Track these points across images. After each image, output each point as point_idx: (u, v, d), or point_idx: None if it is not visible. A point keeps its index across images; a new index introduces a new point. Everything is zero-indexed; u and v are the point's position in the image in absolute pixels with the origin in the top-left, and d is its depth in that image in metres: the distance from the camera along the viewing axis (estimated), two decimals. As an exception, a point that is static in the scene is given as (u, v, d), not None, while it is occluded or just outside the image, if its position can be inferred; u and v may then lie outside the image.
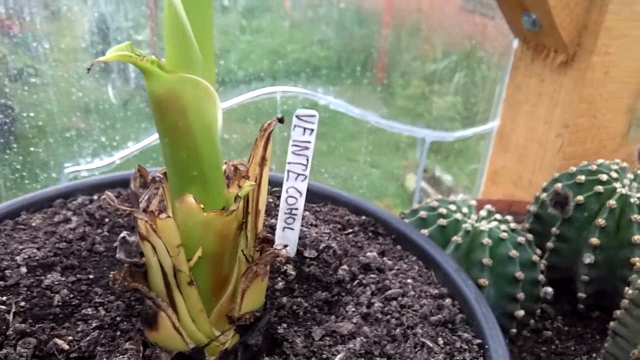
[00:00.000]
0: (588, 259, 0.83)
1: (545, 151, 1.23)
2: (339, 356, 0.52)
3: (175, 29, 0.38)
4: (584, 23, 1.06)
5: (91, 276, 0.60)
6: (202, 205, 0.44)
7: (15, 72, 0.98)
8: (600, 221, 0.82)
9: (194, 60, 0.39)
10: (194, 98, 0.39)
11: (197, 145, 0.41)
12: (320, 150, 1.74)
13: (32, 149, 1.04)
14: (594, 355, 0.83)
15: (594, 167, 0.89)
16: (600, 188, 0.84)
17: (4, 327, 0.52)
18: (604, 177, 0.86)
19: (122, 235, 0.45)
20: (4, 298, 0.55)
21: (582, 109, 1.13)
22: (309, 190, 0.79)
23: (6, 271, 0.58)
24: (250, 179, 0.49)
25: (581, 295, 0.86)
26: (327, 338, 0.55)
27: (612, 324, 0.69)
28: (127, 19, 1.09)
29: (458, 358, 0.53)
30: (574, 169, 0.91)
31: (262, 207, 0.50)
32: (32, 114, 1.00)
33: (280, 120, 0.48)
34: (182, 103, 0.39)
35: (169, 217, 0.44)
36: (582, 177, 0.87)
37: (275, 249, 0.48)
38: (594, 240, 0.82)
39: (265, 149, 0.48)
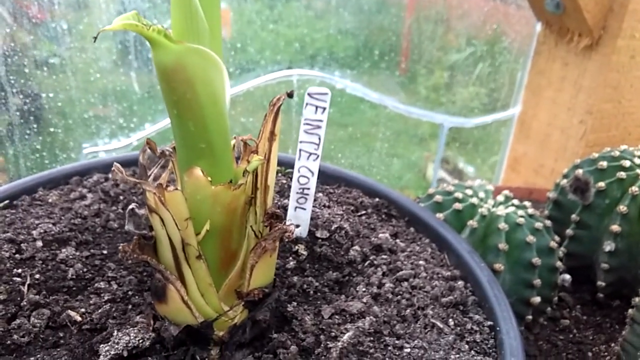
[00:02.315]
0: (608, 246, 0.81)
1: (568, 138, 1.20)
2: (347, 334, 0.51)
3: (182, -2, 0.38)
4: (609, 5, 1.03)
5: (105, 251, 0.61)
6: (209, 179, 0.44)
7: (36, 53, 0.99)
8: (622, 208, 0.79)
9: (201, 31, 0.39)
10: (201, 69, 0.39)
11: (204, 117, 0.41)
12: (341, 138, 1.73)
13: (52, 129, 1.06)
14: (613, 344, 0.82)
15: (617, 153, 0.86)
16: (622, 174, 0.82)
17: (19, 299, 0.53)
18: (627, 163, 0.83)
19: (130, 207, 0.45)
20: (20, 270, 0.56)
21: (606, 94, 1.10)
22: (322, 172, 0.79)
23: (22, 244, 0.59)
24: (259, 154, 0.48)
25: (601, 283, 0.84)
26: (337, 316, 0.54)
27: (630, 311, 0.68)
28: (149, 3, 1.10)
29: (468, 339, 0.52)
30: (596, 155, 0.88)
31: (272, 183, 0.50)
32: (51, 95, 1.02)
33: (290, 95, 0.47)
34: (189, 74, 0.39)
35: (177, 189, 0.44)
36: (604, 163, 0.85)
37: (284, 224, 0.48)
38: (615, 228, 0.80)
39: (274, 123, 0.48)
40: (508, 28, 1.54)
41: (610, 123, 1.14)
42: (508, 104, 1.47)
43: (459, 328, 0.54)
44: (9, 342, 0.49)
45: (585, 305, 0.90)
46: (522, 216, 0.79)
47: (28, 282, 0.55)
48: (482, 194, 0.85)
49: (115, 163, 0.43)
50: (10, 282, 0.54)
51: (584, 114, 1.14)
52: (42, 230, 0.61)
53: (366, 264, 0.63)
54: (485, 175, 1.98)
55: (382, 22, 1.63)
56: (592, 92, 1.12)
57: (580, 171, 0.85)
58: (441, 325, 0.53)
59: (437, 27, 1.71)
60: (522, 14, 1.41)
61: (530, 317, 0.78)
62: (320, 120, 0.60)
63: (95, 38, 0.37)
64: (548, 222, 0.82)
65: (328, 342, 0.51)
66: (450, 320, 0.54)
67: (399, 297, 0.57)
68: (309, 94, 0.58)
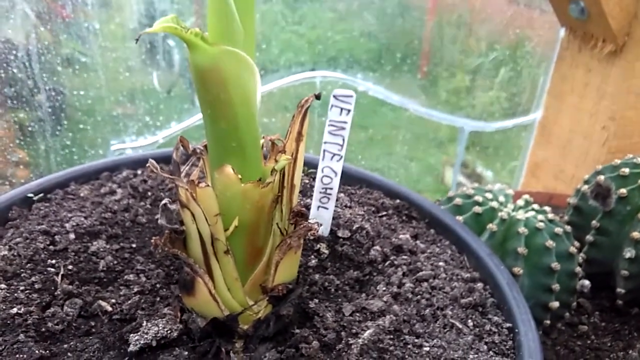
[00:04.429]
0: (629, 253, 0.81)
1: (590, 144, 1.19)
2: (368, 332, 0.52)
3: (219, 3, 0.39)
4: (634, 12, 1.03)
5: (134, 245, 0.63)
6: (239, 176, 0.45)
7: (68, 52, 1.02)
8: (644, 215, 0.79)
9: (236, 34, 0.40)
10: (235, 71, 0.41)
11: (236, 116, 0.43)
12: (361, 140, 1.74)
13: (81, 126, 1.09)
14: (631, 351, 0.81)
15: (639, 160, 0.86)
16: (644, 181, 0.82)
17: (53, 288, 0.55)
18: (650, 170, 0.83)
19: (163, 202, 0.47)
20: (54, 261, 0.58)
21: (630, 101, 1.10)
22: (345, 173, 0.80)
23: (56, 236, 0.61)
24: (286, 154, 0.50)
25: (620, 290, 0.84)
26: (357, 314, 0.56)
27: (649, 318, 0.68)
28: (174, 2, 1.12)
29: (487, 340, 0.53)
30: (618, 161, 0.88)
31: (298, 182, 0.51)
32: (82, 93, 1.05)
33: (317, 97, 0.49)
34: (224, 75, 0.40)
35: (208, 185, 0.45)
36: (627, 170, 0.85)
37: (309, 222, 0.50)
38: (636, 235, 0.80)
39: (302, 124, 0.50)
40: (531, 33, 1.54)
41: (633, 130, 1.13)
42: (529, 108, 1.46)
43: (477, 329, 0.54)
44: (43, 329, 0.51)
45: (603, 311, 0.90)
46: (542, 221, 0.79)
47: (62, 272, 0.57)
48: (502, 198, 0.86)
49: (150, 160, 0.44)
50: (45, 272, 0.57)
51: (607, 120, 1.14)
52: (74, 223, 0.63)
53: (386, 263, 0.64)
54: (503, 180, 1.97)
55: (404, 25, 1.64)
56: (615, 99, 1.11)
57: (601, 177, 0.85)
58: (460, 326, 0.54)
59: (458, 31, 1.71)
60: (545, 19, 1.41)
61: (548, 321, 0.79)
62: (345, 122, 0.61)
63: (137, 40, 0.38)
64: (568, 228, 0.82)
65: (349, 339, 0.52)
66: (469, 321, 0.55)
67: (418, 297, 0.58)
68: (334, 96, 0.60)
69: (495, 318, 0.56)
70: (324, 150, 0.63)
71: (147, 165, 0.45)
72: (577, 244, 0.82)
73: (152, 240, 0.47)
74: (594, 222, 0.85)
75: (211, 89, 0.41)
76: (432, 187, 2.10)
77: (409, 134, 1.76)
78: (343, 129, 0.61)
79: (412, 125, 1.74)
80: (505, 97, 1.71)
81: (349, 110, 0.60)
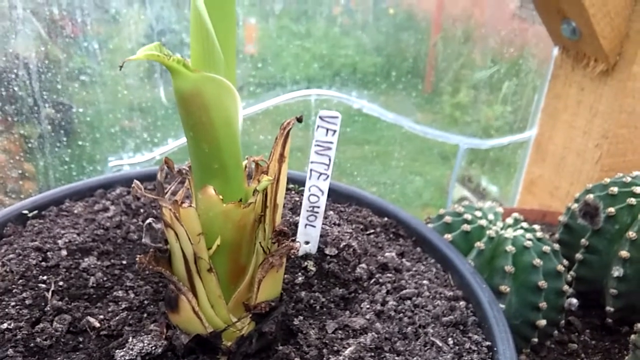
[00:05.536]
0: (617, 272, 0.81)
1: (583, 162, 1.20)
2: (349, 349, 0.53)
3: (200, 32, 0.41)
4: (625, 32, 1.04)
5: (124, 262, 0.65)
6: (221, 197, 0.47)
7: (68, 70, 1.05)
8: (631, 234, 0.80)
9: (217, 61, 0.42)
10: (216, 96, 0.42)
11: (218, 139, 0.44)
12: (359, 156, 1.76)
13: (80, 142, 1.11)
14: (620, 370, 0.82)
15: (628, 179, 0.87)
16: (632, 200, 0.83)
17: (43, 304, 0.57)
18: (638, 189, 0.84)
19: (148, 221, 0.48)
20: (45, 277, 0.60)
21: (622, 120, 1.11)
22: (334, 190, 0.81)
23: (48, 253, 0.63)
24: (269, 175, 0.51)
25: (610, 309, 0.85)
26: (340, 332, 0.57)
27: (633, 337, 0.68)
28: (177, 22, 1.15)
29: (466, 358, 0.54)
30: (607, 180, 0.89)
31: (281, 202, 0.53)
32: (81, 110, 1.08)
33: (299, 120, 0.50)
34: (205, 100, 0.42)
35: (191, 206, 0.47)
36: (615, 189, 0.85)
37: (291, 242, 0.51)
38: (624, 253, 0.80)
39: (284, 146, 0.51)
40: (527, 51, 1.56)
41: (626, 148, 1.14)
42: (525, 126, 1.48)
43: (457, 347, 0.55)
44: (32, 344, 0.52)
45: (594, 330, 0.90)
46: (530, 239, 0.80)
47: (52, 288, 0.58)
48: (491, 216, 0.87)
49: (135, 180, 0.46)
50: (36, 288, 0.58)
51: (600, 138, 1.15)
52: (67, 240, 0.65)
53: (372, 281, 0.65)
54: (508, 195, 1.97)
55: (407, 40, 1.66)
56: (607, 117, 1.12)
57: (590, 196, 0.85)
58: (440, 344, 0.55)
59: (461, 46, 1.73)
60: (540, 34, 1.42)
61: (536, 339, 0.79)
62: (331, 142, 0.62)
63: (121, 67, 0.40)
64: (556, 246, 0.83)
65: (330, 356, 0.53)
66: (450, 339, 0.56)
67: (401, 314, 0.59)
68: (320, 117, 0.61)
69: (476, 337, 0.57)
70: (311, 170, 0.64)
71: (132, 185, 0.46)
72: (565, 262, 0.83)
73: (137, 258, 0.49)
74: (583, 240, 0.86)
75: (193, 113, 0.43)
76: (436, 201, 2.10)
77: (409, 148, 1.77)
78: (329, 149, 0.63)
79: (411, 140, 1.76)
80: (510, 111, 1.73)
81: (334, 131, 0.62)
